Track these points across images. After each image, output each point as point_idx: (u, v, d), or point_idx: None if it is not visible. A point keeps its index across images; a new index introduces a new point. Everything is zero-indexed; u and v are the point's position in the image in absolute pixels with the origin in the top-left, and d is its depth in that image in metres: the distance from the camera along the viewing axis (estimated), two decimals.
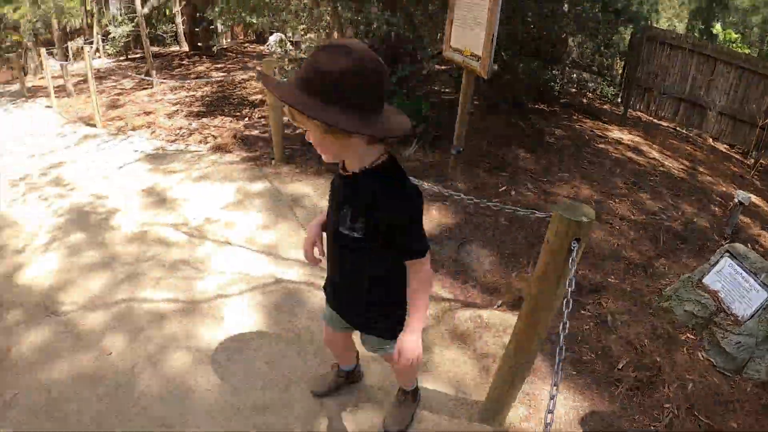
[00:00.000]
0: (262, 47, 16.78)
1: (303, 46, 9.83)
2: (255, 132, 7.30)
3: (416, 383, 2.59)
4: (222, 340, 3.23)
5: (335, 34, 7.63)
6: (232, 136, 7.00)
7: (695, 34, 21.52)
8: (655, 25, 14.26)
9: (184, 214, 5.06)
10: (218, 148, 6.77)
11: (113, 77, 14.31)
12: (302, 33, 9.33)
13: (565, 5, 7.92)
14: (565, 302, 1.90)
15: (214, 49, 15.24)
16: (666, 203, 5.76)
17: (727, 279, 3.52)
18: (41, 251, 4.59)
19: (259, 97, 9.26)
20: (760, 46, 23.14)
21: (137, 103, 10.08)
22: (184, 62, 10.76)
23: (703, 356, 3.36)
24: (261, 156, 6.28)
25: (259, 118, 8.07)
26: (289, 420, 2.64)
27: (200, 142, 7.18)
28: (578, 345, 3.25)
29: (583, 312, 3.57)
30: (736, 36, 17.84)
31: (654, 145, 8.30)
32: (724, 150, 9.98)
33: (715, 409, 2.93)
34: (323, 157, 1.68)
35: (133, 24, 16.37)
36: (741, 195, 5.04)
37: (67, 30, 20.72)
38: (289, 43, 14.79)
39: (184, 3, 14.41)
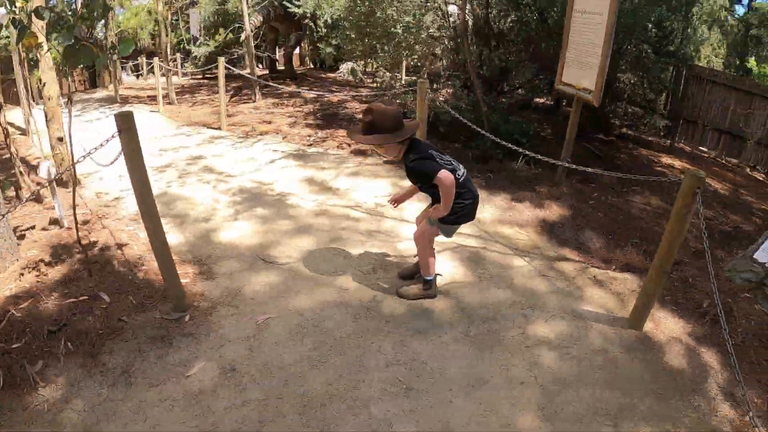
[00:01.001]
0: (332, 74, 17.90)
1: (379, 78, 11.14)
2: None
3: (432, 277, 4.12)
4: (439, 278, 4.38)
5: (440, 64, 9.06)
6: None
7: (731, 68, 22.49)
8: (696, 63, 15.47)
9: (354, 198, 6.16)
10: (359, 152, 7.95)
11: (203, 91, 15.37)
12: (379, 66, 10.59)
13: (624, 45, 9.38)
14: (707, 250, 3.42)
15: (294, 73, 16.20)
16: (717, 211, 7.19)
17: None
18: (230, 220, 5.42)
19: None
20: None
21: (248, 114, 11.08)
22: (269, 83, 12.09)
23: (758, 307, 4.83)
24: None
25: None
26: (497, 320, 4.05)
27: (337, 147, 8.33)
28: (673, 294, 4.73)
29: (671, 275, 5.04)
30: None
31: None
32: (762, 178, 11.30)
33: None
34: (390, 157, 4.12)
35: (214, 44, 17.44)
36: None
37: (138, 47, 22.23)
38: (360, 73, 16.04)
39: (265, 27, 15.37)
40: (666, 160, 9.82)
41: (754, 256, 5.27)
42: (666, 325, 4.31)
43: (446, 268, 4.69)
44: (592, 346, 3.89)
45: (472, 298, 4.28)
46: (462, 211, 3.86)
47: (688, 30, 13.11)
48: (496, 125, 7.44)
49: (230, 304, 3.94)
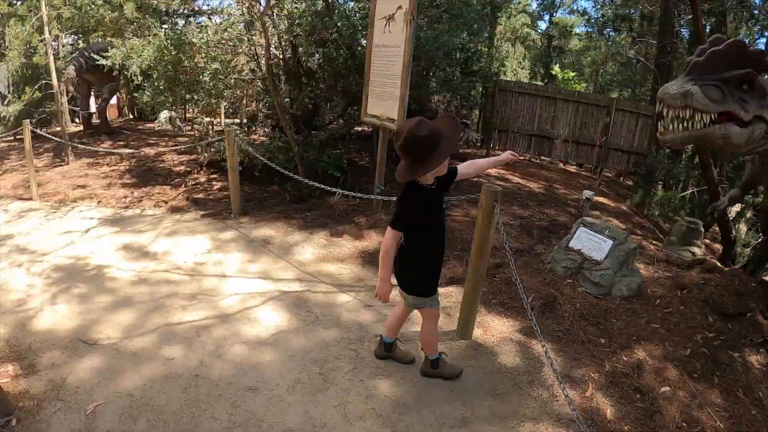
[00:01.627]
0: (150, 124, 17.23)
1: (199, 125, 10.96)
2: (200, 195, 8.26)
3: (434, 355, 3.75)
4: (264, 331, 4.32)
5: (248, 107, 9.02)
6: (185, 199, 8.01)
7: (537, 76, 24.32)
8: (503, 78, 16.57)
9: (173, 260, 5.87)
10: (176, 210, 7.62)
11: (12, 156, 14.17)
12: (198, 112, 10.42)
13: (433, 70, 9.87)
14: (507, 250, 3.60)
15: (110, 128, 15.30)
16: (533, 210, 7.64)
17: (584, 240, 5.44)
18: (47, 304, 4.96)
19: (183, 168, 10.14)
20: (593, 80, 26.58)
21: (61, 179, 10.28)
22: (84, 141, 11.49)
23: (581, 289, 5.19)
24: (219, 212, 7.31)
25: (194, 184, 9.00)
26: (328, 361, 3.97)
27: (155, 206, 7.91)
28: (499, 296, 4.94)
29: (495, 279, 5.25)
30: (573, 74, 20.30)
31: (516, 174, 10.38)
32: (574, 170, 12.30)
33: (597, 314, 4.74)
34: (432, 174, 3.11)
35: (22, 102, 16.25)
36: (587, 193, 6.96)
37: None
38: (178, 120, 15.60)
39: (78, 82, 14.61)
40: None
41: (569, 245, 5.64)
42: (495, 328, 4.45)
43: (270, 319, 4.57)
44: None
45: (300, 344, 4.17)
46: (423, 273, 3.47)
47: (492, 49, 13.98)
48: (310, 162, 7.46)
49: (57, 398, 3.58)
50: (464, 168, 3.53)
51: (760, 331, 5.37)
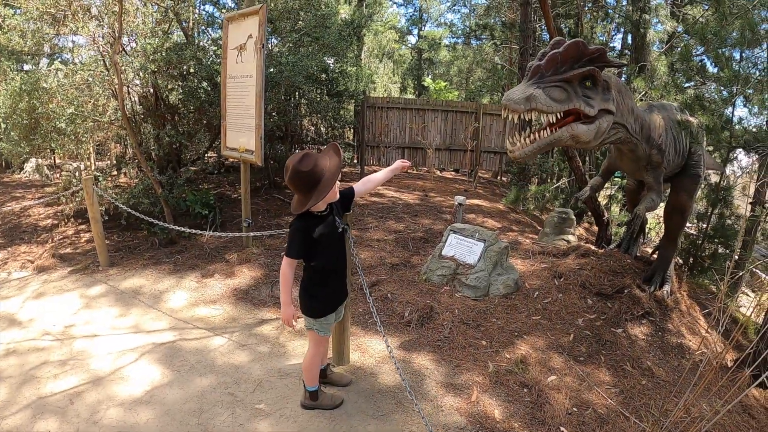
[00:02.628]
0: (17, 176, 16.27)
1: (66, 172, 10.46)
2: (68, 249, 7.79)
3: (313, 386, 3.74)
4: (139, 389, 4.13)
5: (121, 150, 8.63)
6: (51, 256, 7.56)
7: (409, 90, 24.81)
8: (372, 95, 16.79)
9: (42, 326, 5.46)
10: (42, 269, 7.13)
11: None
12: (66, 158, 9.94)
13: (297, 95, 9.86)
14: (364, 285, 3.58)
15: None
16: (408, 222, 7.77)
17: (455, 246, 5.57)
18: None
19: (50, 221, 9.55)
20: (464, 88, 27.45)
21: None
22: None
23: (459, 295, 5.29)
24: (87, 266, 6.91)
25: (62, 238, 8.46)
26: (206, 410, 3.86)
27: (21, 267, 7.44)
28: (377, 315, 4.93)
29: (372, 297, 5.23)
30: (444, 84, 20.68)
31: (391, 187, 10.51)
32: (451, 176, 12.61)
33: (476, 317, 4.83)
34: (323, 201, 3.25)
35: None
36: (458, 198, 7.11)
37: None
38: (46, 168, 14.78)
39: None
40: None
41: (443, 253, 5.74)
42: (373, 348, 4.48)
43: (145, 375, 4.38)
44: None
45: (176, 397, 4.02)
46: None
47: (358, 68, 14.09)
48: (177, 202, 7.24)
49: None
50: (361, 186, 3.76)
51: (640, 303, 5.64)
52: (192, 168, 8.35)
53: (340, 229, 3.49)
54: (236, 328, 5.08)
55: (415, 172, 13.52)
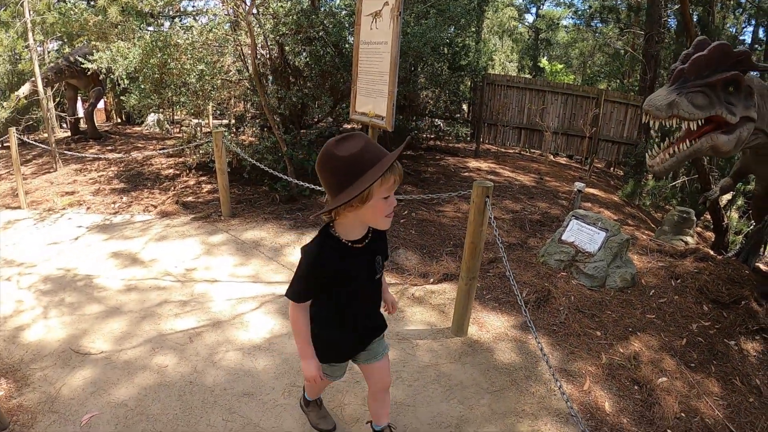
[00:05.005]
0: (138, 128, 17.10)
1: (187, 126, 10.88)
2: (189, 198, 8.19)
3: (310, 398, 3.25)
4: (257, 335, 4.28)
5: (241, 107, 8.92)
6: (174, 202, 7.94)
7: (526, 70, 24.40)
8: (491, 72, 16.59)
9: (164, 267, 5.78)
10: (165, 214, 7.54)
11: None
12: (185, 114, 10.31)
13: (420, 67, 9.84)
14: (500, 245, 3.57)
15: (98, 132, 15.13)
16: (525, 204, 7.62)
17: (576, 232, 5.42)
18: (37, 316, 4.90)
19: (172, 171, 10.08)
20: (581, 72, 26.66)
21: (49, 186, 10.20)
22: (71, 147, 11.39)
23: (575, 282, 5.18)
24: (209, 215, 7.25)
25: (183, 187, 8.92)
26: None
27: (144, 211, 7.85)
28: (494, 291, 4.94)
29: (489, 274, 5.24)
30: (561, 66, 20.22)
31: (506, 167, 10.38)
32: (565, 162, 12.33)
33: (591, 306, 4.72)
34: (357, 223, 2.21)
35: (9, 109, 16.05)
36: (578, 185, 6.94)
37: None
38: (166, 123, 15.47)
39: (64, 87, 14.52)
40: (473, 164, 10.37)
41: (562, 239, 5.62)
42: (490, 324, 4.43)
43: (264, 323, 4.53)
44: (421, 363, 3.91)
45: (294, 348, 4.11)
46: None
47: (479, 44, 13.95)
48: (299, 162, 7.41)
49: (51, 410, 3.54)
50: None
51: (755, 318, 5.37)
52: (314, 131, 8.51)
53: (378, 275, 2.44)
54: None
55: (528, 154, 13.29)
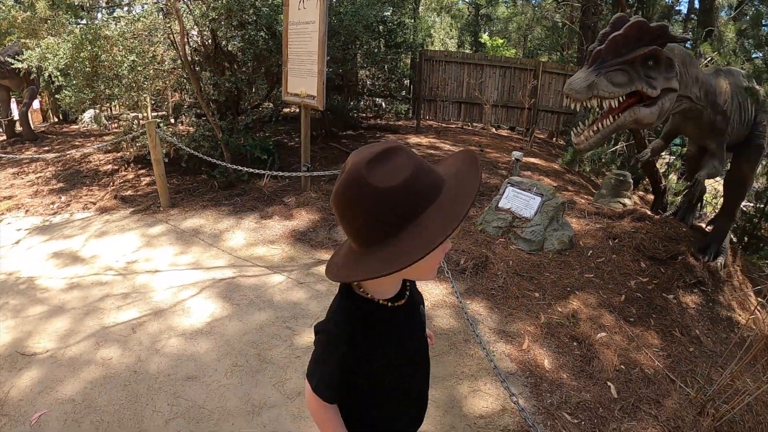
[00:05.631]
0: (76, 126, 16.62)
1: (125, 121, 10.71)
2: (128, 192, 8.03)
3: None
4: (199, 320, 4.31)
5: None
6: (113, 198, 7.81)
7: (466, 46, 24.50)
8: (430, 48, 16.65)
9: (105, 262, 5.71)
10: (104, 210, 7.39)
11: None
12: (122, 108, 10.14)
13: (355, 45, 9.83)
14: None
15: (34, 133, 14.73)
16: None
17: (512, 199, 5.56)
18: None
19: (110, 167, 9.82)
20: (522, 46, 26.93)
21: None
22: (7, 150, 11.09)
23: (513, 247, 5.32)
24: (148, 207, 7.13)
25: (122, 182, 8.72)
26: (264, 341, 4.00)
27: (83, 209, 7.67)
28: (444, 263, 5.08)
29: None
30: (502, 41, 20.36)
31: (447, 141, 10.52)
32: (506, 134, 12.52)
33: (530, 269, 4.86)
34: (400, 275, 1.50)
35: None
36: (516, 154, 7.06)
37: None
38: (103, 118, 15.13)
39: None
40: (414, 140, 10.49)
41: (499, 206, 5.75)
42: (429, 292, 4.56)
43: (205, 308, 4.55)
44: None
45: (236, 329, 4.18)
46: None
47: (417, 20, 13.97)
48: (236, 148, 7.38)
49: (1, 413, 3.54)
50: None
51: (692, 272, 5.58)
52: (251, 116, 8.45)
53: (425, 331, 1.82)
54: (294, 267, 5.20)
55: (470, 128, 13.42)
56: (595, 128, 4.08)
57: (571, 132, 4.24)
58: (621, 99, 3.94)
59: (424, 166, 1.33)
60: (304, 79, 6.23)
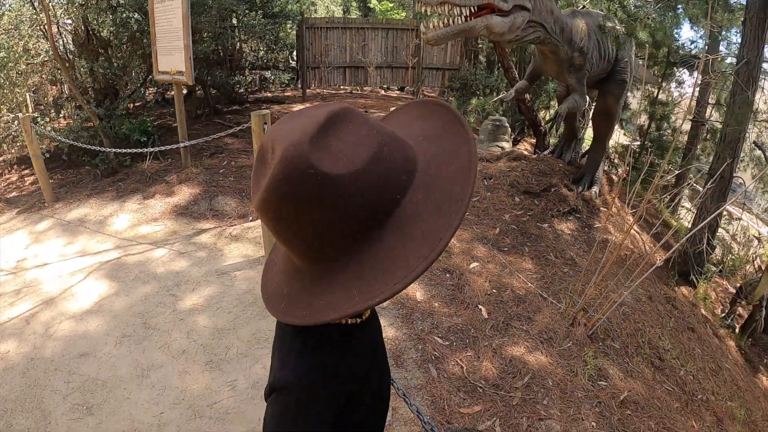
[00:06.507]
0: None
1: (5, 122, 10.34)
2: (13, 194, 7.82)
3: None
4: (88, 302, 4.44)
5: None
6: None
7: (354, 11, 24.41)
8: (314, 16, 16.62)
9: None
10: None
11: None
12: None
13: (234, 19, 9.80)
14: None
15: None
16: None
17: None
18: None
19: None
20: (412, 8, 27.08)
21: None
22: None
23: None
24: (33, 204, 7.03)
25: (6, 185, 8.48)
26: (150, 310, 4.17)
27: None
28: None
29: None
30: (391, 4, 20.48)
31: (263, 110, 10.69)
32: (395, 94, 12.78)
33: None
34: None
35: None
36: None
37: None
38: None
39: None
40: (299, 107, 10.52)
41: None
42: None
43: (93, 290, 4.68)
44: (239, 291, 4.33)
45: (123, 304, 4.36)
46: None
47: None
48: (116, 134, 7.34)
49: None
50: None
51: (566, 201, 5.99)
52: (128, 101, 8.36)
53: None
54: (177, 239, 5.39)
55: (358, 92, 13.59)
56: (446, 22, 4.21)
57: (421, 26, 4.42)
58: (473, 9, 4.16)
59: (387, 131, 0.98)
60: (172, 56, 6.29)
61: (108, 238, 5.67)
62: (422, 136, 1.06)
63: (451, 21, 4.22)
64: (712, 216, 5.90)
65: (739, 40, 6.44)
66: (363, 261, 0.93)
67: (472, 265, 4.74)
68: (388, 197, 0.93)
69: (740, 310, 7.66)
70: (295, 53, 12.84)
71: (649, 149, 9.11)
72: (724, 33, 8.86)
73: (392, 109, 1.19)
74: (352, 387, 1.09)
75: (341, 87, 13.50)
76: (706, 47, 6.76)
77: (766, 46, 6.04)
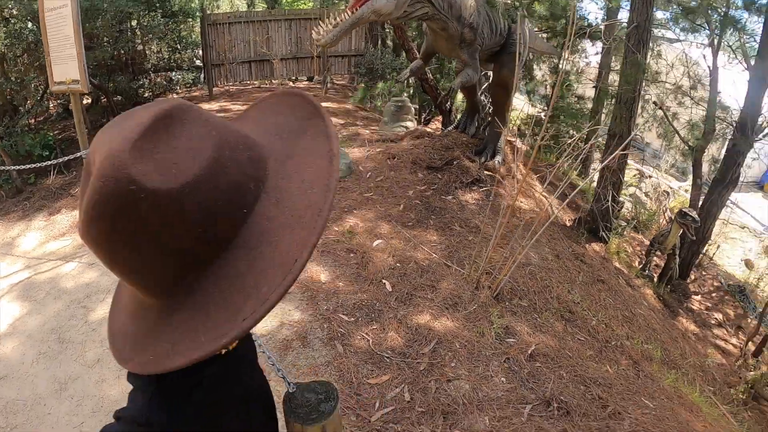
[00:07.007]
0: None
1: None
2: None
3: None
4: (1, 326, 4.36)
5: None
6: None
7: (259, 5, 24.18)
8: (217, 12, 16.44)
9: None
10: None
11: None
12: None
13: (134, 21, 9.67)
14: None
15: None
16: None
17: None
18: None
19: None
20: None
21: None
22: None
23: None
24: None
25: None
26: (63, 325, 4.20)
27: None
28: None
29: None
30: None
31: (239, 102, 10.74)
32: (305, 85, 12.94)
33: None
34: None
35: None
36: None
37: None
38: None
39: None
40: (206, 106, 10.59)
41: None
42: None
43: (5, 314, 4.62)
44: None
45: (36, 322, 4.36)
46: None
47: None
48: (17, 151, 7.21)
49: None
50: None
51: (469, 173, 6.22)
52: (30, 116, 8.15)
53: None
54: (85, 252, 5.32)
55: (267, 85, 13.58)
56: (335, 22, 4.37)
57: (313, 31, 4.50)
58: None
59: (230, 129, 0.84)
60: (67, 65, 6.20)
61: (17, 260, 5.56)
62: (276, 134, 0.93)
63: (339, 19, 4.38)
64: (605, 163, 6.24)
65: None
66: (208, 293, 0.78)
67: (375, 243, 4.92)
68: (233, 212, 0.79)
69: (657, 260, 8.18)
70: (200, 51, 12.66)
71: (558, 117, 9.55)
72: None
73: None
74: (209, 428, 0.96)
75: (248, 82, 13.43)
76: (604, 16, 7.16)
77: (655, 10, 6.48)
